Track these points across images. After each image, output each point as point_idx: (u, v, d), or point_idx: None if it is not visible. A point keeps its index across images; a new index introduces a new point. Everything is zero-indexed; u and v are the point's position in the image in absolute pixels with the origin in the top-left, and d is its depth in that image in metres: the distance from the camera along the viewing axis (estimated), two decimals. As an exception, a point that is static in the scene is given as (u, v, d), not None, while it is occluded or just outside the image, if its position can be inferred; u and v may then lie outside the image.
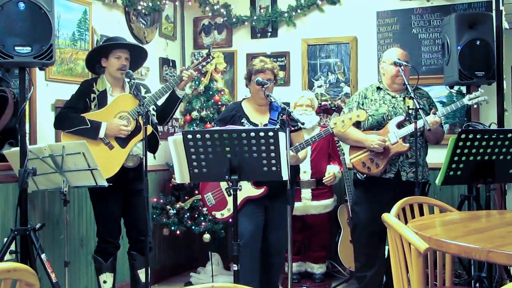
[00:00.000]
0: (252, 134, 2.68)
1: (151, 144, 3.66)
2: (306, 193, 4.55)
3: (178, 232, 4.70)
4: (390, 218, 2.28)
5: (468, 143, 2.78)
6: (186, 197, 4.76)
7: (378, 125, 3.78)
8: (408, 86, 3.59)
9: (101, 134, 3.53)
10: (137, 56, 3.81)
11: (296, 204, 4.39)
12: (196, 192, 4.64)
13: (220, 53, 4.90)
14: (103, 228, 3.72)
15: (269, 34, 5.33)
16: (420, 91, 3.93)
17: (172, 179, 4.67)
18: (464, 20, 4.13)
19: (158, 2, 4.86)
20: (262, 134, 2.68)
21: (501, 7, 4.51)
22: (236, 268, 2.76)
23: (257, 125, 3.49)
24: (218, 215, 3.54)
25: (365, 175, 3.82)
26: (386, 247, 3.79)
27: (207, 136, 2.70)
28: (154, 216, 4.71)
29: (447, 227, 2.44)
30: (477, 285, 3.53)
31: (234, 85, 5.44)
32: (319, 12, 5.15)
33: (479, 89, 3.89)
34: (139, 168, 3.60)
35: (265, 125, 3.49)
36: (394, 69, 3.74)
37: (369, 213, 3.75)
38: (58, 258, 3.74)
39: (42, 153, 3.29)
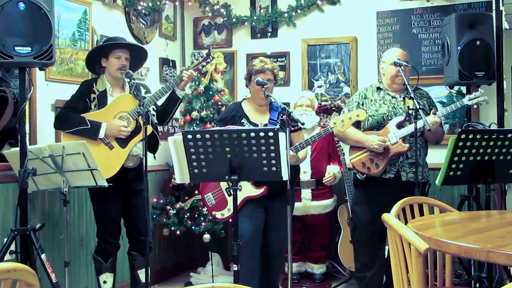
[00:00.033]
0: (252, 134, 2.68)
1: (151, 144, 3.66)
2: (306, 193, 4.55)
3: (178, 232, 4.70)
4: (390, 218, 2.28)
5: (468, 143, 2.78)
6: (186, 197, 4.76)
7: (378, 125, 3.78)
8: (408, 86, 3.59)
9: (101, 134, 3.53)
10: (137, 56, 3.81)
11: (296, 204, 4.39)
12: (196, 192, 4.64)
13: (220, 53, 4.90)
14: (103, 228, 3.72)
15: (269, 34, 5.33)
16: (420, 91, 3.93)
17: (172, 179, 4.67)
18: (464, 20, 4.13)
19: (158, 2, 4.86)
20: (262, 134, 2.68)
21: (501, 7, 4.51)
22: (236, 268, 2.76)
23: (257, 125, 3.49)
24: (218, 215, 3.54)
25: (365, 175, 3.82)
26: (386, 247, 3.79)
27: (207, 136, 2.70)
28: (154, 216, 4.71)
29: (447, 227, 2.44)
30: (477, 285, 3.52)
31: (234, 85, 5.44)
32: (319, 12, 5.15)
33: (479, 89, 3.89)
34: (139, 168, 3.59)
35: (265, 125, 3.49)
36: (394, 69, 3.74)
37: (369, 213, 3.75)
38: (58, 258, 3.74)
39: (42, 153, 3.29)
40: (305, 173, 4.50)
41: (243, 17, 5.34)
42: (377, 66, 4.69)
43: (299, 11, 5.18)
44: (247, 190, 3.41)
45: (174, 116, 4.01)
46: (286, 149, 2.88)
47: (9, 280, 1.36)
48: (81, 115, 3.54)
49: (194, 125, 4.75)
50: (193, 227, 4.64)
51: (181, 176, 2.90)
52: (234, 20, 5.36)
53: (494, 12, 4.50)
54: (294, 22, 5.21)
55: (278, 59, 5.21)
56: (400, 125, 3.70)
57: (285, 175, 2.81)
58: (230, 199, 3.42)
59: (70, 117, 3.53)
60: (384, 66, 3.86)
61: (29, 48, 3.04)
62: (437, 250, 2.25)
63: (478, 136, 2.77)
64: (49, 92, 3.91)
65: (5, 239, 3.20)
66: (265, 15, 5.29)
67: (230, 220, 3.43)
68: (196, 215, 4.69)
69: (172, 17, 5.27)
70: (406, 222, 2.59)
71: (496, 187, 4.24)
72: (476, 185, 4.07)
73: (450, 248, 1.95)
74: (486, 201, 3.06)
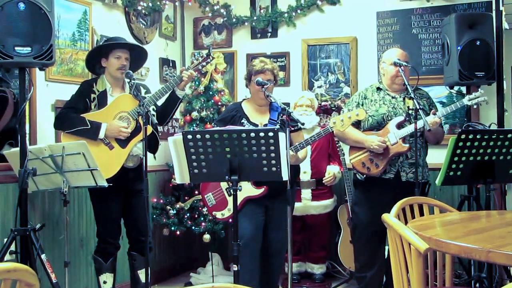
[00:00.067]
0: (252, 134, 2.68)
1: (151, 145, 3.66)
2: (306, 193, 4.54)
3: (178, 232, 4.70)
4: (390, 218, 2.28)
5: (468, 143, 2.78)
6: (186, 198, 4.76)
7: (378, 125, 3.78)
8: (408, 86, 3.59)
9: (101, 135, 3.53)
10: (137, 56, 3.81)
11: (296, 204, 4.39)
12: (196, 192, 4.64)
13: (220, 53, 4.90)
14: (103, 229, 3.72)
15: (269, 34, 5.33)
16: (420, 92, 3.93)
17: (172, 180, 4.67)
18: (464, 20, 4.13)
19: (158, 3, 4.86)
20: (262, 134, 2.68)
21: (501, 8, 4.51)
22: (236, 269, 2.76)
23: (257, 125, 3.49)
24: (218, 215, 3.54)
25: (364, 176, 3.82)
26: (386, 248, 3.79)
27: (207, 136, 2.70)
28: (154, 216, 4.71)
29: (447, 227, 2.44)
30: (477, 285, 3.52)
31: (234, 86, 5.44)
32: (319, 12, 5.15)
33: (479, 89, 3.90)
34: (139, 168, 3.59)
35: (265, 125, 3.49)
36: (394, 70, 3.75)
37: (369, 214, 3.75)
38: (58, 258, 3.74)
39: (42, 153, 3.29)
40: (305, 173, 4.50)
41: (243, 17, 5.34)
42: (377, 66, 4.69)
43: (299, 11, 5.18)
44: (247, 190, 3.41)
45: (174, 116, 4.01)
46: (286, 149, 2.88)
47: (9, 280, 1.36)
48: (81, 115, 3.54)
49: (194, 125, 4.75)
50: (193, 227, 4.64)
51: (181, 176, 2.90)
52: (234, 20, 5.36)
53: (494, 12, 4.50)
54: (294, 22, 5.21)
55: (278, 59, 5.21)
56: (400, 125, 3.70)
57: (285, 175, 2.81)
58: (230, 199, 3.42)
59: (70, 117, 3.53)
60: (384, 66, 3.86)
61: (29, 48, 3.04)
62: (437, 250, 2.25)
63: (478, 136, 2.77)
64: (49, 92, 3.91)
65: (5, 239, 3.20)
66: (265, 15, 5.29)
67: (230, 220, 3.43)
68: (196, 215, 4.69)
69: (172, 17, 5.27)
70: (406, 222, 2.59)
71: (496, 187, 4.24)
72: (476, 185, 4.06)
73: (450, 248, 1.95)
74: (486, 201, 3.06)
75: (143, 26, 4.86)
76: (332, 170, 4.54)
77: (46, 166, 3.31)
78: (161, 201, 4.77)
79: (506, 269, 3.92)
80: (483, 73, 4.09)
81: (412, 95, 3.50)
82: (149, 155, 3.55)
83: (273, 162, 2.73)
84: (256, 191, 3.42)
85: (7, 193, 3.56)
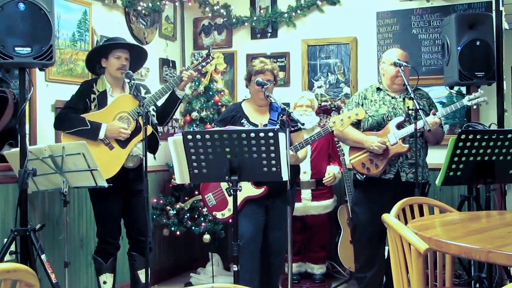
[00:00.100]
0: (252, 134, 2.68)
1: (151, 145, 3.67)
2: (306, 193, 4.54)
3: (178, 232, 4.70)
4: (390, 218, 2.28)
5: (468, 144, 2.78)
6: (186, 198, 4.76)
7: (378, 125, 3.78)
8: (408, 86, 3.59)
9: (101, 135, 3.53)
10: (137, 56, 3.81)
11: (296, 204, 4.39)
12: (196, 192, 4.64)
13: (220, 53, 4.90)
14: (103, 229, 3.72)
15: (269, 34, 5.33)
16: (420, 92, 3.93)
17: (172, 180, 4.67)
18: (464, 20, 4.13)
19: (158, 3, 4.86)
20: (262, 134, 2.68)
21: (501, 8, 4.51)
22: (236, 269, 2.76)
23: (257, 125, 3.49)
24: (219, 215, 3.54)
25: (364, 176, 3.82)
26: (386, 248, 3.79)
27: (207, 136, 2.70)
28: (154, 216, 4.71)
29: (447, 227, 2.44)
30: (477, 285, 3.52)
31: (234, 86, 5.44)
32: (319, 12, 5.15)
33: (479, 89, 3.90)
34: (139, 168, 3.59)
35: (265, 125, 3.49)
36: (394, 70, 3.75)
37: (369, 214, 3.75)
38: (58, 258, 3.74)
39: (42, 153, 3.29)
40: (305, 174, 4.50)
41: (243, 18, 5.34)
42: (377, 66, 4.69)
43: (299, 11, 5.18)
44: (247, 190, 3.41)
45: (174, 117, 4.01)
46: (286, 150, 2.88)
47: (9, 281, 1.37)
48: (81, 115, 3.54)
49: (194, 125, 4.75)
50: (193, 228, 4.64)
51: (181, 176, 2.90)
52: (234, 20, 5.36)
53: (494, 12, 4.50)
54: (294, 23, 5.21)
55: (278, 60, 5.21)
56: (400, 126, 3.71)
57: (285, 176, 2.81)
58: (230, 199, 3.42)
59: (70, 118, 3.53)
60: (384, 67, 3.86)
61: (29, 49, 3.04)
62: (437, 251, 2.25)
63: (478, 137, 2.77)
64: (49, 92, 3.91)
65: (5, 240, 3.20)
66: (265, 15, 5.29)
67: (231, 220, 3.43)
68: (196, 216, 4.69)
69: (172, 17, 5.27)
70: (406, 223, 2.59)
71: (496, 188, 4.24)
72: (476, 186, 4.07)
73: (450, 249, 1.95)
74: (486, 201, 3.06)
75: (143, 26, 4.86)
76: (332, 171, 4.54)
77: (46, 167, 3.32)
78: (161, 201, 4.77)
79: (506, 269, 3.92)
80: (483, 73, 4.09)
81: (412, 95, 3.50)
82: (149, 155, 3.55)
83: (273, 162, 2.73)
84: (256, 191, 3.42)
85: (7, 193, 3.57)
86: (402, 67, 3.68)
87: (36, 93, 3.72)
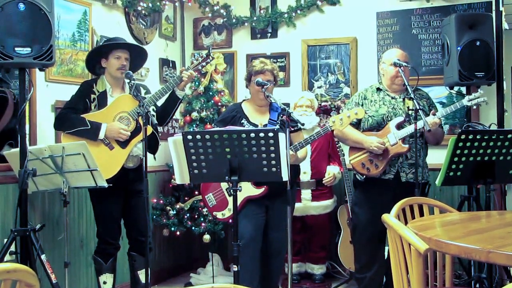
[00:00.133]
0: (252, 134, 2.68)
1: (151, 145, 3.66)
2: (306, 193, 4.54)
3: (178, 232, 4.70)
4: (390, 218, 2.28)
5: (468, 144, 2.78)
6: (186, 198, 4.76)
7: (378, 126, 3.78)
8: (408, 87, 3.59)
9: (101, 135, 3.53)
10: (137, 56, 3.82)
11: (296, 204, 4.39)
12: (196, 192, 4.64)
13: (220, 53, 4.90)
14: (103, 229, 3.72)
15: (269, 34, 5.33)
16: (419, 92, 3.92)
17: (172, 180, 4.67)
18: (464, 20, 4.13)
19: (158, 3, 4.86)
20: (262, 134, 2.68)
21: (501, 8, 4.51)
22: (236, 269, 2.76)
23: (257, 125, 3.49)
24: (219, 215, 3.54)
25: (364, 176, 3.82)
26: (386, 248, 3.79)
27: (207, 136, 2.70)
28: (154, 217, 4.71)
29: (447, 227, 2.44)
30: (477, 285, 3.52)
31: (234, 86, 5.44)
32: (319, 12, 5.15)
33: (479, 90, 3.89)
34: (139, 168, 3.59)
35: (265, 125, 3.49)
36: (394, 70, 3.75)
37: (369, 214, 3.75)
38: (58, 258, 3.74)
39: (42, 154, 3.29)
40: (305, 174, 4.50)
41: (243, 18, 5.34)
42: (377, 66, 4.69)
43: (299, 11, 5.18)
44: (248, 190, 3.41)
45: (174, 117, 4.01)
46: (286, 150, 2.88)
47: (9, 281, 1.37)
48: (81, 115, 3.54)
49: (194, 125, 4.75)
50: (193, 228, 4.64)
51: (181, 176, 2.90)
52: (234, 20, 5.36)
53: (494, 12, 4.50)
54: (294, 23, 5.21)
55: (278, 60, 5.21)
56: (399, 126, 3.71)
57: (285, 176, 2.81)
58: (230, 199, 3.42)
59: (70, 118, 3.53)
60: (384, 67, 3.86)
61: (29, 49, 3.04)
62: (437, 251, 2.25)
63: (478, 137, 2.77)
64: (49, 92, 3.91)
65: (5, 240, 3.20)
66: (265, 15, 5.29)
67: (231, 220, 3.43)
68: (196, 216, 4.69)
69: (172, 17, 5.27)
70: (406, 223, 2.59)
71: (496, 188, 4.24)
72: (476, 186, 4.06)
73: (450, 249, 1.95)
74: (486, 201, 3.06)
75: (143, 26, 4.86)
76: (332, 171, 4.54)
77: (46, 167, 3.31)
78: (161, 201, 4.77)
79: (506, 270, 3.92)
80: (483, 73, 4.09)
81: (412, 96, 3.50)
82: (149, 156, 3.55)
83: (273, 162, 2.73)
84: (256, 191, 3.43)
85: (7, 193, 3.56)
86: (402, 67, 3.68)
87: (36, 93, 3.72)
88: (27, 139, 3.32)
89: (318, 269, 4.74)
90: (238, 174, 2.74)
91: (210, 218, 4.55)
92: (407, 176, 3.71)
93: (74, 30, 4.09)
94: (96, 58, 3.70)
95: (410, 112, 3.58)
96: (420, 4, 4.83)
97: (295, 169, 3.52)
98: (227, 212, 3.49)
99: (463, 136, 2.76)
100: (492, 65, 4.14)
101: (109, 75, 3.69)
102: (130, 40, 4.60)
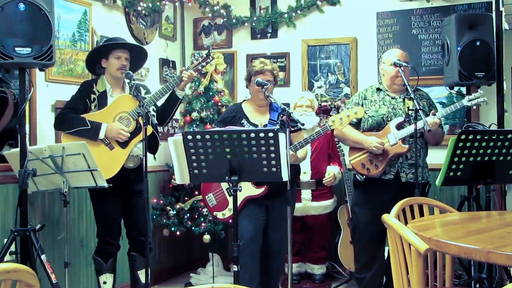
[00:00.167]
0: (252, 135, 2.68)
1: (151, 145, 3.67)
2: (306, 194, 4.55)
3: (178, 233, 4.70)
4: (390, 219, 2.28)
5: (468, 144, 2.78)
6: (186, 198, 4.76)
7: (378, 126, 3.78)
8: (408, 87, 3.59)
9: (101, 135, 3.53)
10: (137, 56, 3.82)
11: (296, 205, 4.39)
12: (196, 193, 4.64)
13: (220, 54, 4.90)
14: (103, 229, 3.72)
15: (269, 35, 5.33)
16: (419, 92, 3.92)
17: (172, 180, 4.67)
18: (464, 21, 4.13)
19: (158, 3, 4.86)
20: (262, 134, 2.68)
21: (501, 8, 4.51)
22: (236, 269, 2.76)
23: (257, 125, 3.49)
24: (219, 215, 3.54)
25: (364, 176, 3.82)
26: (386, 248, 3.79)
27: (207, 137, 2.70)
28: (154, 217, 4.71)
29: (447, 228, 2.44)
30: (477, 286, 3.52)
31: (234, 86, 5.44)
32: (319, 13, 5.15)
33: (479, 90, 3.89)
34: (139, 168, 3.59)
35: (265, 125, 3.50)
36: (394, 70, 3.75)
37: (369, 214, 3.75)
38: (58, 259, 3.74)
39: (42, 154, 3.29)
40: (305, 174, 4.50)
41: (243, 18, 5.34)
42: (377, 66, 4.69)
43: (299, 11, 5.18)
44: (248, 189, 3.41)
45: (174, 117, 4.01)
46: (286, 150, 2.88)
47: (9, 281, 1.37)
48: (81, 115, 3.54)
49: (194, 125, 4.75)
50: (193, 228, 4.64)
51: (181, 176, 2.90)
52: (234, 20, 5.36)
53: (494, 12, 4.50)
54: (294, 23, 5.21)
55: (278, 60, 5.21)
56: (399, 126, 3.70)
57: (285, 176, 2.81)
58: (231, 199, 3.42)
59: (70, 118, 3.53)
60: (384, 67, 3.86)
61: (29, 49, 3.04)
62: (437, 251, 2.25)
63: (478, 137, 2.77)
64: (49, 92, 3.91)
65: (5, 240, 3.20)
66: (265, 15, 5.29)
67: (231, 220, 3.43)
68: (196, 216, 4.69)
69: (172, 17, 5.27)
70: (406, 223, 2.59)
71: (496, 188, 4.24)
72: (476, 186, 4.07)
73: (450, 249, 1.95)
74: (486, 201, 3.06)
75: (143, 26, 4.86)
76: (332, 171, 4.54)
77: (46, 167, 3.32)
78: (161, 201, 4.77)
79: (506, 270, 3.92)
80: (483, 73, 4.09)
81: (412, 96, 3.50)
82: (149, 156, 3.55)
83: (273, 162, 2.73)
84: (257, 191, 3.43)
85: (7, 193, 3.57)
86: (402, 68, 3.68)
87: (36, 93, 3.72)
88: (27, 139, 3.32)
89: (318, 269, 4.74)
90: (238, 174, 2.74)
91: (210, 218, 4.55)
92: (407, 176, 3.71)
93: (74, 30, 4.09)
94: (96, 58, 3.70)
95: (410, 112, 3.59)
96: (420, 4, 4.83)
97: (295, 169, 3.52)
98: (228, 212, 3.50)
99: (463, 136, 2.76)
100: (492, 65, 4.14)
101: (109, 75, 3.69)
102: (130, 40, 4.60)
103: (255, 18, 5.31)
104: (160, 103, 3.82)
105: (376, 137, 3.71)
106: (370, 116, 3.78)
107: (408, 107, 3.60)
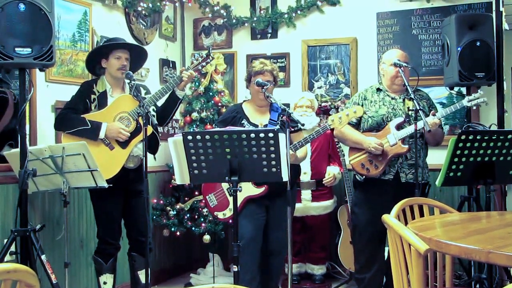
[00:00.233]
0: (252, 135, 2.68)
1: (151, 145, 3.67)
2: (306, 194, 4.54)
3: (178, 233, 4.70)
4: (390, 219, 2.28)
5: (468, 144, 2.78)
6: (186, 198, 4.76)
7: (378, 126, 3.78)
8: (408, 87, 3.59)
9: (101, 135, 3.53)
10: (137, 57, 3.82)
11: (296, 205, 4.39)
12: (196, 193, 4.64)
13: (220, 54, 4.91)
14: (103, 229, 3.72)
15: (269, 35, 5.33)
16: (419, 93, 3.92)
17: (172, 180, 4.67)
18: (464, 21, 4.13)
19: (158, 3, 4.86)
20: (262, 135, 2.68)
21: (501, 8, 4.51)
22: (236, 269, 2.76)
23: (257, 126, 3.49)
24: (220, 215, 3.54)
25: (364, 177, 3.82)
26: (386, 248, 3.79)
27: (207, 137, 2.70)
28: (154, 217, 4.71)
29: (447, 228, 2.44)
30: (477, 286, 3.52)
31: (234, 86, 5.44)
32: (319, 13, 5.16)
33: (479, 90, 3.89)
34: (139, 169, 3.59)
35: (265, 126, 3.50)
36: (394, 70, 3.75)
37: (369, 215, 3.75)
38: (58, 259, 3.74)
39: (42, 154, 3.29)
40: (305, 174, 4.50)
41: (243, 18, 5.34)
42: (377, 67, 4.69)
43: (299, 12, 5.18)
44: (248, 189, 3.41)
45: (174, 117, 4.01)
46: (286, 150, 2.88)
47: (9, 281, 1.37)
48: (82, 115, 3.54)
49: (194, 126, 4.75)
50: (193, 228, 4.64)
51: (181, 177, 2.90)
52: (234, 21, 5.37)
53: (494, 13, 4.50)
54: (294, 23, 5.21)
55: (278, 60, 5.21)
56: (399, 126, 3.70)
57: (285, 176, 2.81)
58: (231, 199, 3.42)
59: (70, 118, 3.53)
60: (384, 67, 3.86)
61: (29, 49, 3.04)
62: (437, 251, 2.25)
63: (478, 137, 2.77)
64: (49, 93, 3.91)
65: (5, 240, 3.20)
66: (265, 16, 5.29)
67: (231, 220, 3.44)
68: (196, 216, 4.69)
69: (172, 18, 5.27)
70: (406, 223, 2.59)
71: (496, 188, 4.23)
72: (476, 186, 4.06)
73: (450, 249, 1.95)
74: (486, 202, 3.06)
75: (143, 27, 4.86)
76: (332, 171, 4.54)
77: (46, 167, 3.31)
78: (161, 201, 4.77)
79: (506, 270, 3.92)
80: (483, 74, 4.09)
81: (412, 96, 3.50)
82: (149, 156, 3.55)
83: (273, 162, 2.73)
84: (257, 191, 3.43)
85: (7, 193, 3.57)
86: (402, 68, 3.68)
87: (36, 93, 3.72)
88: (27, 139, 3.32)
89: (318, 270, 4.74)
90: (238, 175, 2.74)
91: (210, 218, 4.56)
92: (407, 177, 3.71)
93: (74, 31, 4.09)
94: (96, 59, 3.70)
95: (410, 112, 3.59)
96: (420, 5, 4.83)
97: (295, 169, 3.52)
98: (228, 212, 3.50)
99: (463, 137, 2.76)
100: (492, 66, 4.14)
101: (109, 75, 3.69)
102: (130, 40, 4.60)
103: (255, 19, 5.31)
104: (160, 103, 3.82)
105: (375, 138, 3.71)
106: (370, 117, 3.78)
107: (408, 108, 3.60)
